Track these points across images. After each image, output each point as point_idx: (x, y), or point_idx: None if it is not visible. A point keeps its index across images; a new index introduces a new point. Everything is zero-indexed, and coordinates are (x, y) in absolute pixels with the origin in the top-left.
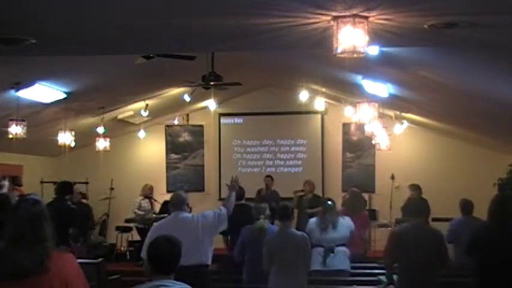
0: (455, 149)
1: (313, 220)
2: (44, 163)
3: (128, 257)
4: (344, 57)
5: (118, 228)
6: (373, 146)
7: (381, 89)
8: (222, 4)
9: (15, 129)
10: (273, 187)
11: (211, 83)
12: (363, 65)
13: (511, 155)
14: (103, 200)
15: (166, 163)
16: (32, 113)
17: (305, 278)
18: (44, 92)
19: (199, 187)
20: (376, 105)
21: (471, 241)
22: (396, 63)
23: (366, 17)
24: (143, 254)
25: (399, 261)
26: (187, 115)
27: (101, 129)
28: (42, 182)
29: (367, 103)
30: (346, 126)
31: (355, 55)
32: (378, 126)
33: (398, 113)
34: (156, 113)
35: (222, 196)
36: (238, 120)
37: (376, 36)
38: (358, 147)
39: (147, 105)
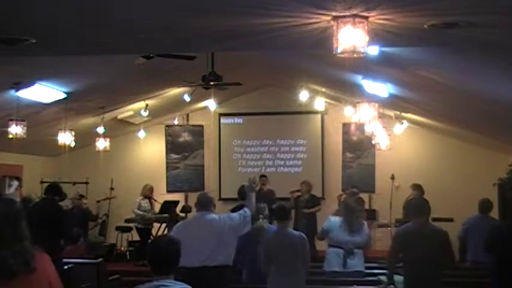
0: (455, 149)
1: (336, 219)
2: (44, 163)
3: (128, 257)
4: (344, 57)
5: (118, 228)
6: (373, 146)
7: (381, 89)
8: (222, 4)
9: (15, 129)
10: (270, 187)
11: (211, 83)
12: (363, 65)
13: (511, 155)
14: (103, 200)
15: (166, 163)
16: (32, 113)
17: (304, 278)
18: (44, 92)
19: (199, 187)
20: (376, 105)
21: (489, 239)
22: (396, 63)
23: (366, 17)
24: None
25: (403, 261)
26: (187, 115)
27: (101, 129)
28: (42, 182)
29: (367, 103)
30: (346, 126)
31: (355, 55)
32: (378, 126)
33: (398, 113)
34: (156, 113)
35: (222, 196)
36: (238, 120)
37: (376, 36)
38: (358, 147)
39: (147, 105)
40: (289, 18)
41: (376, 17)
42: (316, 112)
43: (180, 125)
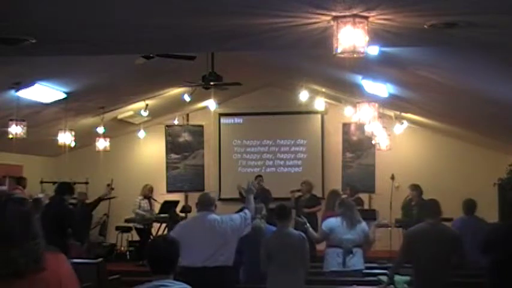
0: (455, 149)
1: (334, 220)
2: (44, 163)
3: (128, 257)
4: (344, 57)
5: (118, 228)
6: (373, 146)
7: (381, 89)
8: (222, 4)
9: (15, 129)
10: (269, 187)
11: (211, 83)
12: (363, 65)
13: (511, 155)
14: (103, 200)
15: (166, 163)
16: (32, 113)
17: (303, 278)
18: (44, 92)
19: (199, 187)
20: (376, 105)
21: (486, 240)
22: (396, 63)
23: (366, 17)
24: None
25: (415, 261)
26: (187, 115)
27: (101, 129)
28: (42, 182)
29: (367, 103)
30: (346, 126)
31: (355, 55)
32: (378, 126)
33: (398, 113)
34: (156, 113)
35: (222, 196)
36: (238, 120)
37: (376, 36)
38: (358, 147)
39: (147, 105)
40: (289, 18)
41: (376, 17)
42: (316, 112)
43: (180, 125)
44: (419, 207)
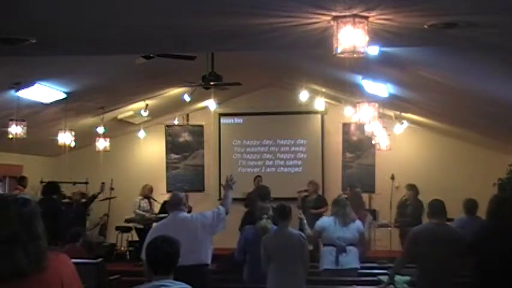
0: (455, 149)
1: (327, 218)
2: (44, 163)
3: (128, 257)
4: (344, 57)
5: (118, 228)
6: (373, 146)
7: (381, 89)
8: (222, 4)
9: (15, 129)
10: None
11: (211, 83)
12: (363, 65)
13: (511, 155)
14: (103, 200)
15: (166, 163)
16: (32, 113)
17: (303, 277)
18: (44, 92)
19: (199, 187)
20: (376, 105)
21: (471, 242)
22: (396, 63)
23: (366, 17)
24: (143, 255)
25: (419, 261)
26: (187, 115)
27: (101, 129)
28: (42, 182)
29: (367, 103)
30: (346, 126)
31: (355, 55)
32: (378, 126)
33: (398, 113)
34: (156, 113)
35: (222, 196)
36: (238, 120)
37: (376, 36)
38: (358, 147)
39: (147, 105)
40: (289, 18)
41: (376, 17)
42: (316, 112)
43: (180, 125)
44: (414, 207)
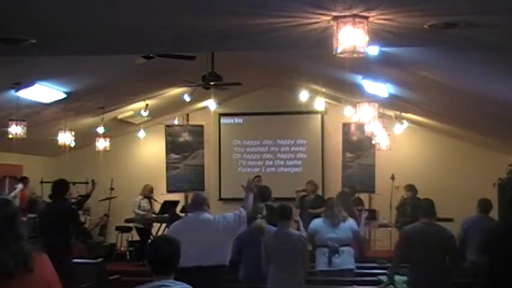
0: (455, 149)
1: (318, 220)
2: (44, 163)
3: (128, 257)
4: (344, 57)
5: (118, 228)
6: (373, 146)
7: (381, 89)
8: (222, 4)
9: (15, 129)
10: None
11: (211, 83)
12: (363, 65)
13: (511, 155)
14: (103, 200)
15: (166, 163)
16: (32, 113)
17: (303, 278)
18: (44, 92)
19: (199, 187)
20: (376, 105)
21: (483, 241)
22: (396, 63)
23: (366, 17)
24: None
25: (410, 261)
26: (187, 115)
27: (101, 129)
28: (42, 182)
29: (367, 103)
30: (346, 126)
31: (355, 55)
32: (378, 126)
33: (398, 113)
34: (156, 113)
35: (222, 196)
36: (238, 120)
37: (376, 36)
38: (358, 147)
39: (147, 105)
40: (289, 18)
41: (376, 17)
42: (316, 112)
43: (180, 125)
44: (413, 207)
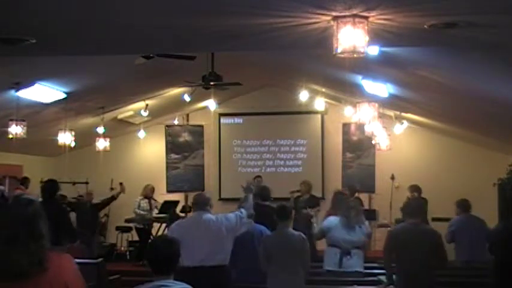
0: (455, 149)
1: (333, 218)
2: (44, 163)
3: (128, 257)
4: (344, 57)
5: (118, 228)
6: (373, 146)
7: (381, 89)
8: (222, 4)
9: (15, 129)
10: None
11: (211, 83)
12: (363, 65)
13: (511, 155)
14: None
15: (166, 163)
16: (32, 113)
17: (303, 278)
18: (44, 92)
19: (199, 187)
20: (376, 105)
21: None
22: (396, 63)
23: (366, 17)
24: None
25: (397, 261)
26: (187, 115)
27: (101, 129)
28: (42, 182)
29: (367, 103)
30: (346, 126)
31: (355, 55)
32: (378, 126)
33: (398, 113)
34: (156, 113)
35: (222, 196)
36: (238, 120)
37: (376, 36)
38: (358, 147)
39: (147, 105)
40: (289, 18)
41: (376, 17)
42: (316, 112)
43: (180, 125)
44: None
